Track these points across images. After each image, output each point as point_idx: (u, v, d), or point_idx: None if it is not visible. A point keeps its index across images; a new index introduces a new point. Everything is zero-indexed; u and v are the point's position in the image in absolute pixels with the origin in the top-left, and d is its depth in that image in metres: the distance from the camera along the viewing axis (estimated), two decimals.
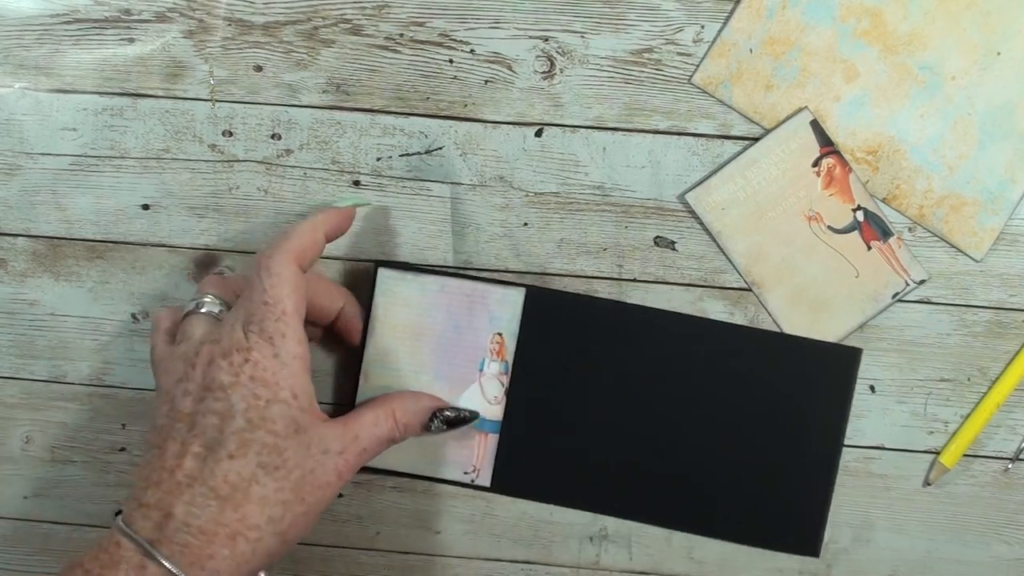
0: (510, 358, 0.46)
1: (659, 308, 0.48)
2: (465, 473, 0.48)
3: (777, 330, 0.48)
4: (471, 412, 0.46)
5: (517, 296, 0.45)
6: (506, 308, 0.45)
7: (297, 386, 0.39)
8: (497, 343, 0.46)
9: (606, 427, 0.47)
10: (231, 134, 0.49)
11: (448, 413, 0.45)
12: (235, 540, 0.37)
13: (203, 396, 0.39)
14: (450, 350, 0.46)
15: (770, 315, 0.49)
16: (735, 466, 0.47)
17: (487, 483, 0.48)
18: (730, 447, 0.47)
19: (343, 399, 0.50)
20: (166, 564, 0.36)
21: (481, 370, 0.46)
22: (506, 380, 0.46)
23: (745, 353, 0.47)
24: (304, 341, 0.40)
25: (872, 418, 0.50)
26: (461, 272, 0.47)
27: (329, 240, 0.44)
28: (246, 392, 0.38)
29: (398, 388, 0.47)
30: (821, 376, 0.47)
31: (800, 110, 0.47)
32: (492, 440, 0.47)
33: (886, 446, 0.50)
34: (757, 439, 0.47)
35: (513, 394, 0.46)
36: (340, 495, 0.52)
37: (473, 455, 0.47)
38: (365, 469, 0.45)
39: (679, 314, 0.48)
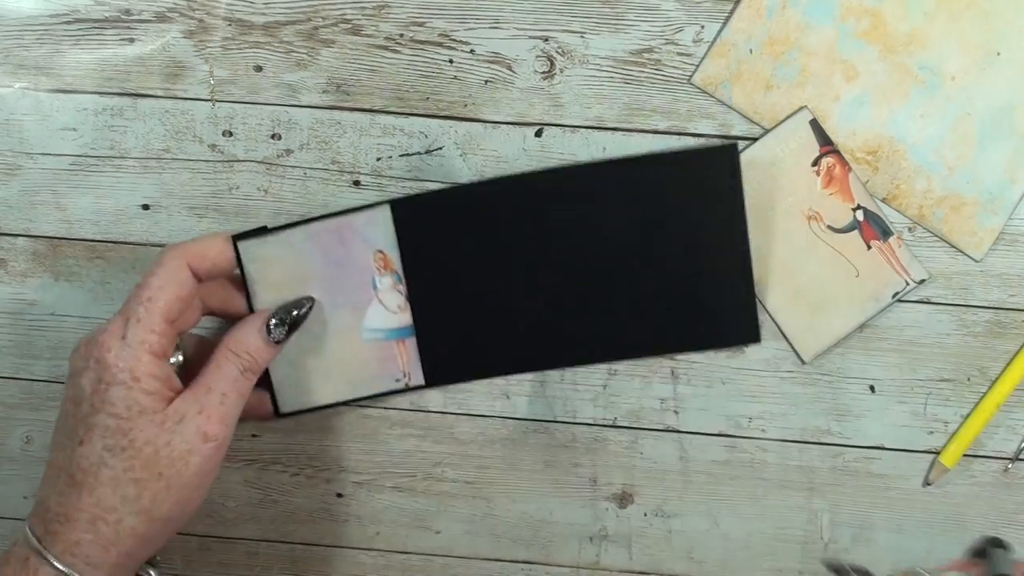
0: (398, 267, 0.47)
1: (520, 173, 0.48)
2: (396, 381, 0.48)
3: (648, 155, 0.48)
4: (303, 299, 0.45)
5: (383, 214, 0.46)
6: (376, 228, 0.46)
7: (139, 369, 0.39)
8: (381, 259, 0.46)
9: (514, 293, 0.47)
10: (231, 134, 0.49)
11: (280, 315, 0.44)
12: (95, 524, 0.38)
13: (67, 386, 0.40)
14: (338, 283, 0.47)
15: (769, 315, 0.49)
16: (651, 289, 0.47)
17: (421, 382, 0.48)
18: (641, 274, 0.47)
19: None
20: (48, 557, 0.37)
21: (375, 288, 0.47)
22: (403, 288, 0.47)
23: (624, 186, 0.46)
24: (159, 331, 0.40)
25: (872, 418, 0.50)
26: (318, 216, 0.46)
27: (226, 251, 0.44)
28: (92, 376, 0.39)
29: (304, 333, 0.47)
30: (705, 181, 0.46)
31: (799, 109, 0.47)
32: (411, 344, 0.48)
33: (886, 446, 0.50)
34: (665, 259, 0.47)
35: (414, 296, 0.47)
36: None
37: (398, 363, 0.48)
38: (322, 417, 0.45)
39: (545, 171, 0.48)
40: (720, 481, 0.51)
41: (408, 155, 0.49)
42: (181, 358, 0.44)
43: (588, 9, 0.48)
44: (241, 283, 0.46)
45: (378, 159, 0.49)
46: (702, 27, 0.48)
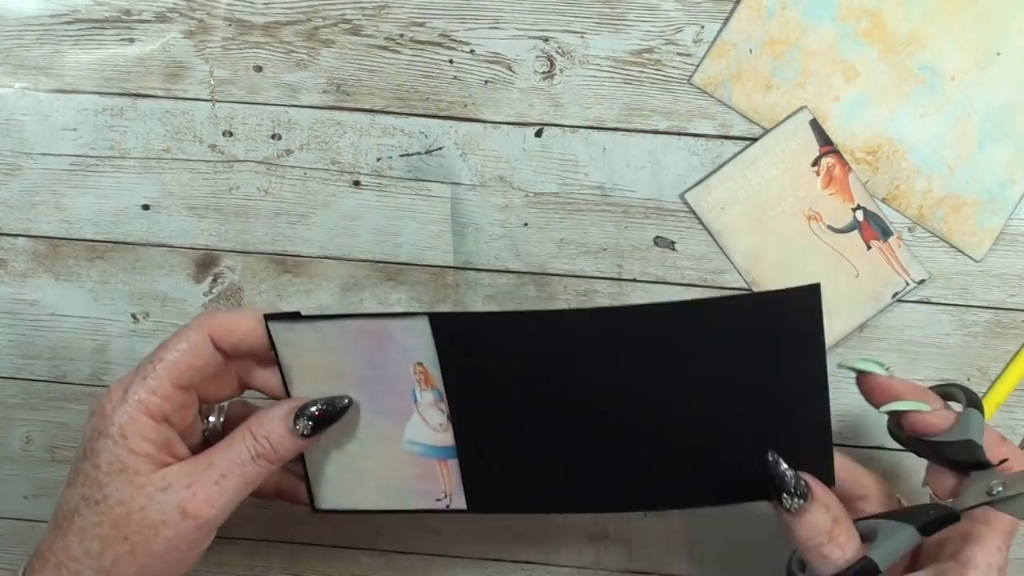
0: (439, 384, 0.42)
1: (578, 309, 0.45)
2: (438, 500, 0.45)
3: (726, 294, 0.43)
4: (340, 398, 0.41)
5: (422, 324, 0.41)
6: (417, 338, 0.41)
7: (128, 426, 0.38)
8: (421, 373, 0.42)
9: (566, 431, 0.43)
10: (231, 134, 0.49)
11: (312, 409, 0.40)
12: (59, 569, 0.37)
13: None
14: (377, 387, 0.43)
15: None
16: (718, 439, 0.42)
17: (463, 506, 0.45)
18: (707, 424, 0.42)
19: None
20: None
21: (415, 401, 0.43)
22: (444, 407, 0.43)
23: (694, 331, 0.41)
24: (161, 394, 0.38)
25: (872, 418, 0.50)
26: (354, 313, 0.43)
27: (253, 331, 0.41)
28: (91, 423, 0.38)
29: (345, 433, 0.44)
30: (784, 328, 0.41)
31: (799, 109, 0.48)
32: (454, 466, 0.44)
33: (886, 446, 0.50)
34: (736, 408, 0.42)
35: (457, 418, 0.43)
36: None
37: (439, 483, 0.44)
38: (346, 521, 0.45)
39: (603, 310, 0.43)
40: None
41: (408, 155, 0.49)
42: (218, 421, 0.42)
43: (588, 9, 0.48)
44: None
45: (378, 159, 0.49)
46: (702, 27, 0.48)
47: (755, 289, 0.49)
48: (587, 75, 0.48)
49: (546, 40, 0.48)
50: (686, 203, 0.49)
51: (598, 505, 0.46)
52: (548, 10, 0.48)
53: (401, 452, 0.44)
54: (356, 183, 0.50)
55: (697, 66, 0.48)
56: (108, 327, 0.51)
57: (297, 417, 0.40)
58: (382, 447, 0.44)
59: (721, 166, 0.48)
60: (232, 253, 0.50)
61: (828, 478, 0.41)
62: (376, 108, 0.49)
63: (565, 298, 0.50)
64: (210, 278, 0.51)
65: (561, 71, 0.48)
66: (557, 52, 0.48)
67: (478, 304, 0.50)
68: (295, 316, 0.42)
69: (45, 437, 0.53)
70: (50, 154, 0.50)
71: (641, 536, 0.52)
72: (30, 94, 0.49)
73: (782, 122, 0.48)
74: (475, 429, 0.43)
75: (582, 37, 0.48)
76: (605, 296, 0.50)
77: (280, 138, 0.49)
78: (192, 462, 0.39)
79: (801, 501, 0.37)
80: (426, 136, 0.49)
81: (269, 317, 0.41)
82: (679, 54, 0.48)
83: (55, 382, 0.52)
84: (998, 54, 0.47)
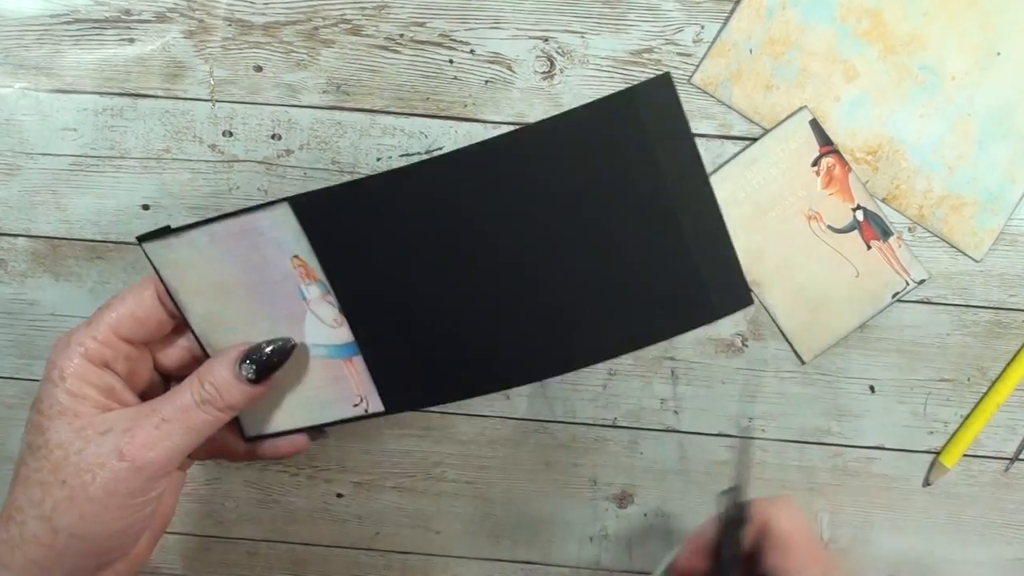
0: (322, 277, 0.40)
1: (426, 157, 0.41)
2: (355, 406, 0.42)
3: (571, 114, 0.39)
4: (282, 339, 0.40)
5: (285, 212, 0.39)
6: (284, 229, 0.40)
7: (68, 368, 0.38)
8: (300, 266, 0.40)
9: (459, 300, 0.40)
10: (231, 134, 0.49)
11: (256, 354, 0.39)
12: (7, 523, 0.37)
13: None
14: (265, 292, 0.41)
15: (769, 314, 0.49)
16: (613, 267, 0.39)
17: (380, 408, 0.42)
18: (596, 252, 0.39)
19: None
20: None
21: (304, 299, 0.41)
22: (333, 299, 0.41)
23: (552, 151, 0.38)
24: (101, 339, 0.38)
25: (872, 418, 0.50)
26: (219, 215, 0.40)
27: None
28: (43, 372, 0.38)
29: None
30: (649, 123, 0.38)
31: (799, 109, 0.47)
32: (359, 363, 0.42)
33: (886, 446, 0.50)
34: (619, 228, 0.39)
35: (347, 309, 0.40)
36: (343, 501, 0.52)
37: (351, 386, 0.42)
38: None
39: (455, 152, 0.38)
40: (720, 481, 0.51)
41: (408, 155, 0.49)
42: None
43: (588, 9, 0.48)
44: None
45: (378, 159, 0.49)
46: (702, 27, 0.48)
47: (756, 290, 0.49)
48: (587, 75, 0.48)
49: (546, 40, 0.48)
50: None
51: (513, 377, 0.42)
52: (548, 10, 0.48)
53: (309, 359, 0.42)
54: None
55: (697, 66, 0.48)
56: None
57: (241, 362, 0.39)
58: (293, 358, 0.41)
59: (721, 166, 0.48)
60: None
61: (740, 288, 0.39)
62: (376, 108, 0.49)
63: None
64: None
65: (561, 71, 0.48)
66: (557, 52, 0.48)
67: None
68: (165, 231, 0.40)
69: None
70: (50, 154, 0.50)
71: (641, 536, 0.52)
72: (30, 94, 0.49)
73: (782, 122, 0.48)
74: (368, 317, 0.41)
75: (582, 37, 0.48)
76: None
77: (280, 138, 0.49)
78: (136, 408, 0.38)
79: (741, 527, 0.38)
80: (426, 136, 0.49)
81: (141, 238, 0.40)
82: (679, 54, 0.48)
83: None
84: (998, 54, 0.47)
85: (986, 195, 0.48)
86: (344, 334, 0.41)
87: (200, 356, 0.42)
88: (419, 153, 0.49)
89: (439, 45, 0.48)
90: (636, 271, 0.40)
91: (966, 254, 0.49)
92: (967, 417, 0.50)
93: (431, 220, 0.39)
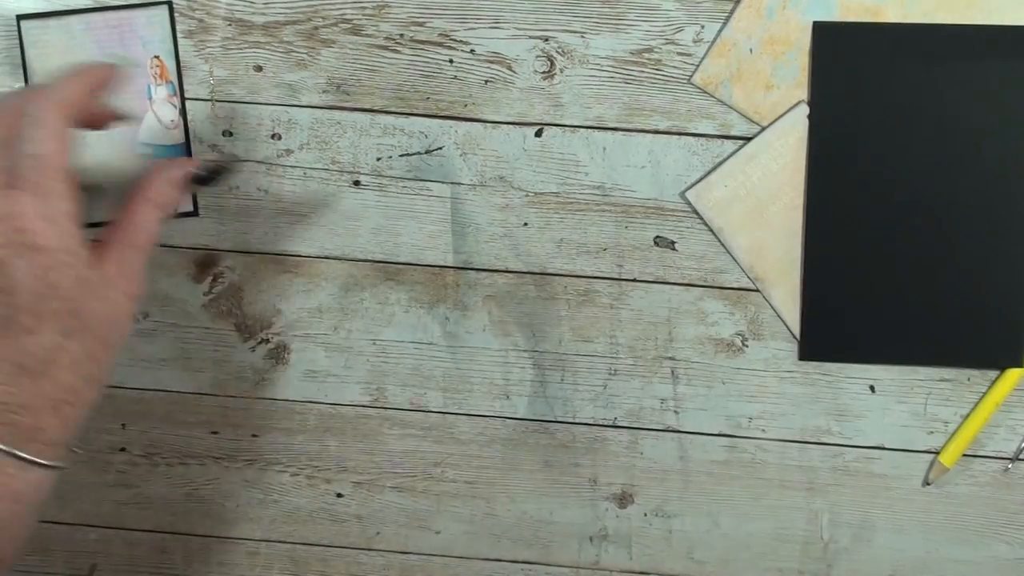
0: (174, 78, 0.45)
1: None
2: None
3: None
4: (229, 161, 0.43)
5: (162, 15, 0.44)
6: (155, 29, 0.44)
7: (72, 244, 0.37)
8: (157, 66, 0.45)
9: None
10: (231, 134, 0.49)
11: (198, 171, 0.42)
12: (59, 408, 0.37)
13: None
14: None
15: (775, 310, 0.49)
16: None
17: (189, 208, 0.46)
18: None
19: None
20: (14, 451, 0.36)
21: (150, 98, 0.45)
22: (176, 102, 0.45)
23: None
24: (72, 195, 0.37)
25: (872, 418, 0.50)
26: (101, 6, 0.44)
27: (95, 94, 0.40)
28: (24, 264, 0.36)
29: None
30: None
31: (797, 104, 0.47)
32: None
33: (886, 446, 0.50)
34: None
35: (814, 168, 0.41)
36: (340, 495, 0.52)
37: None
38: None
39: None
40: (720, 481, 0.51)
41: (408, 155, 0.49)
42: None
43: (588, 9, 0.48)
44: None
45: (378, 159, 0.49)
46: (702, 27, 0.48)
47: (758, 286, 0.49)
48: (587, 75, 0.48)
49: (546, 40, 0.48)
50: (687, 201, 0.49)
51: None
52: (548, 10, 0.48)
53: (133, 157, 0.44)
54: (356, 183, 0.50)
55: (697, 66, 0.48)
56: None
57: (189, 182, 0.41)
58: (117, 153, 0.43)
59: (720, 163, 0.48)
60: (232, 253, 0.50)
61: None
62: (376, 108, 0.49)
63: (565, 298, 0.50)
64: (210, 278, 0.51)
65: (561, 71, 0.48)
66: (557, 52, 0.48)
67: (478, 304, 0.50)
68: (46, 14, 0.42)
69: None
70: None
71: (641, 536, 0.52)
72: None
73: (780, 117, 0.48)
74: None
75: (582, 37, 0.48)
76: (605, 296, 0.50)
77: (280, 138, 0.49)
78: (117, 248, 0.39)
79: None
80: (426, 136, 0.49)
81: (22, 17, 0.42)
82: (679, 54, 0.48)
83: None
84: None
85: None
86: (177, 136, 0.45)
87: None
88: (419, 153, 0.49)
89: (439, 45, 0.48)
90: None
91: None
92: (967, 417, 0.49)
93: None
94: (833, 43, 0.38)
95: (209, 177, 0.42)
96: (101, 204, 0.43)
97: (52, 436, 0.37)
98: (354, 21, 0.48)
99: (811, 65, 0.38)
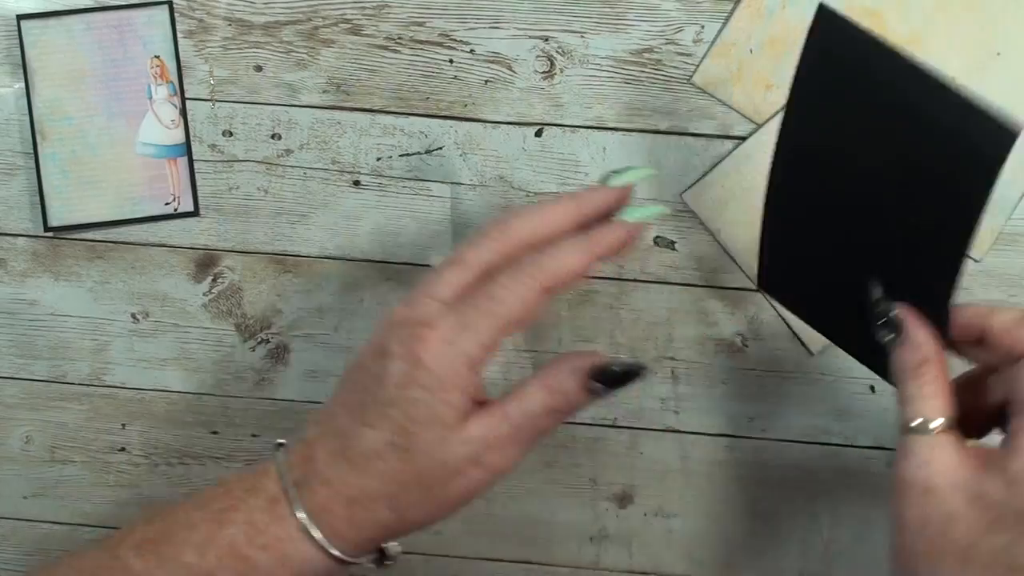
0: (174, 78, 0.45)
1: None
2: (166, 204, 0.46)
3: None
4: (637, 364, 0.39)
5: (163, 15, 0.45)
6: (155, 29, 0.44)
7: (450, 380, 0.37)
8: (157, 67, 0.45)
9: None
10: (231, 134, 0.49)
11: (603, 374, 0.38)
12: (353, 505, 0.37)
13: (375, 355, 0.38)
14: (116, 87, 0.45)
15: (775, 309, 0.49)
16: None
17: (190, 208, 0.47)
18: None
19: None
20: (302, 513, 0.37)
21: (150, 98, 0.45)
22: (177, 101, 0.45)
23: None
24: (487, 349, 0.37)
25: (872, 418, 0.50)
26: (101, 6, 0.44)
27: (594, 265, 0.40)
28: (402, 368, 0.37)
29: (79, 141, 0.47)
30: (970, 142, 0.37)
31: None
32: (182, 164, 0.46)
33: (886, 446, 0.50)
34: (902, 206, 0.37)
35: (783, 156, 0.39)
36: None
37: (168, 184, 0.46)
38: None
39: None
40: (720, 481, 0.51)
41: (408, 155, 0.49)
42: None
43: (588, 9, 0.48)
44: None
45: (378, 159, 0.49)
46: (702, 27, 0.48)
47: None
48: (587, 75, 0.48)
49: (546, 40, 0.48)
50: (684, 203, 0.49)
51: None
52: (548, 10, 0.48)
53: (134, 156, 0.45)
54: (356, 183, 0.50)
55: (697, 66, 0.48)
56: (108, 327, 0.51)
57: (591, 377, 0.38)
58: (115, 153, 0.45)
59: (717, 163, 0.48)
60: (232, 253, 0.50)
61: (941, 315, 0.37)
62: (376, 108, 0.49)
63: (565, 298, 0.50)
64: (210, 278, 0.51)
65: (561, 71, 0.48)
66: (557, 52, 0.48)
67: None
68: (48, 14, 0.43)
69: (45, 437, 0.52)
70: None
71: (641, 536, 0.52)
72: None
73: (775, 114, 0.48)
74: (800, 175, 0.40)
75: (582, 37, 0.48)
76: (605, 296, 0.50)
77: (280, 138, 0.49)
78: (489, 415, 0.38)
79: (892, 335, 0.36)
80: (426, 136, 0.49)
81: (22, 17, 0.43)
82: (679, 54, 0.48)
83: (55, 382, 0.52)
84: (998, 54, 0.47)
85: None
86: (177, 135, 0.46)
87: None
88: (419, 153, 0.49)
89: (439, 45, 0.48)
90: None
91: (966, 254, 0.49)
92: None
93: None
94: (830, 32, 0.38)
95: (619, 376, 0.38)
96: (100, 204, 0.44)
97: (337, 525, 0.37)
98: (354, 21, 0.48)
99: (803, 46, 0.38)
